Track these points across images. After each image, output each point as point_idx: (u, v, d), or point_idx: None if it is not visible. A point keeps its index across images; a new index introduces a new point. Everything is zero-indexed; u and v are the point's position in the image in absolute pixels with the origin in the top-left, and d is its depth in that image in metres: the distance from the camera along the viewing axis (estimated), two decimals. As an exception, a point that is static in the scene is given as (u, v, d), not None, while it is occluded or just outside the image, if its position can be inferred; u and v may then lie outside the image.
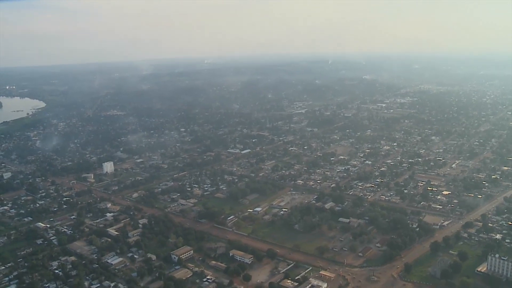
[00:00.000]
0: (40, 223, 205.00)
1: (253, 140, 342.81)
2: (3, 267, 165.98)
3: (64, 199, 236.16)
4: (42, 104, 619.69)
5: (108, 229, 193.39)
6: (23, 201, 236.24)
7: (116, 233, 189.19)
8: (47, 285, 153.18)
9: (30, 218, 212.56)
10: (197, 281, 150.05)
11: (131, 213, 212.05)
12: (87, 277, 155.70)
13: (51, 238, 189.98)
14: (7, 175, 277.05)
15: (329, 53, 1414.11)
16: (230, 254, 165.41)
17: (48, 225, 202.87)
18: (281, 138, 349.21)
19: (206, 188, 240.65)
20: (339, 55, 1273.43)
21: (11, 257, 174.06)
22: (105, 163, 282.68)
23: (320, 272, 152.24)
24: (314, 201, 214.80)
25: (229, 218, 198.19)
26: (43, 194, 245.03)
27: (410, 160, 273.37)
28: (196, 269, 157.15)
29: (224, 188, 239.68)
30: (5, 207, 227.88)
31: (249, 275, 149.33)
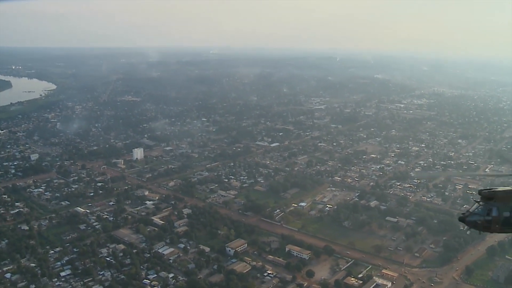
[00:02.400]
0: (78, 208, 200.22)
1: (280, 134, 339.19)
2: (52, 251, 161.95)
3: (98, 184, 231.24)
4: (52, 86, 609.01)
5: (152, 218, 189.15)
6: (56, 184, 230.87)
7: (162, 222, 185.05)
8: (101, 272, 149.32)
9: (67, 202, 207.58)
10: (258, 275, 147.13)
11: (172, 202, 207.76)
12: (142, 267, 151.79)
13: (94, 224, 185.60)
14: (34, 157, 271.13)
15: (334, 49, 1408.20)
16: (286, 249, 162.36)
17: (87, 210, 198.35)
18: (307, 133, 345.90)
19: (243, 180, 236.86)
20: (345, 52, 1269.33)
21: (57, 242, 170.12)
22: (135, 149, 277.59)
23: (383, 271, 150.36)
24: (356, 199, 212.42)
25: (275, 212, 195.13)
26: (76, 178, 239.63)
27: (442, 162, 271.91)
28: (254, 263, 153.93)
29: (261, 181, 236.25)
30: (40, 189, 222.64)
31: (312, 271, 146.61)
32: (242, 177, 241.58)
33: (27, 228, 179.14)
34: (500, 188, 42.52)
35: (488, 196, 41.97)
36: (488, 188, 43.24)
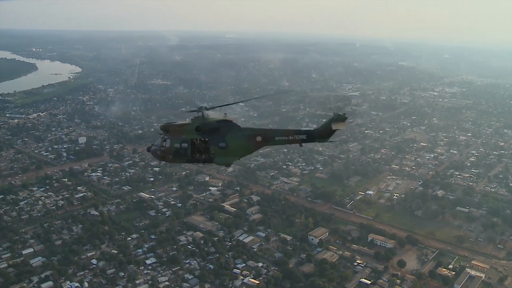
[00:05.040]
0: (142, 193, 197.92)
1: (323, 120, 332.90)
2: (130, 238, 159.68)
3: (155, 169, 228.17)
4: (77, 69, 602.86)
5: (223, 205, 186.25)
6: (111, 168, 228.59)
7: (233, 209, 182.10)
8: (187, 261, 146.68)
9: (129, 187, 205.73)
10: (348, 265, 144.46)
11: (236, 188, 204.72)
12: (226, 255, 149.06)
13: (163, 210, 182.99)
14: (82, 140, 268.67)
15: (350, 36, 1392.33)
16: (369, 238, 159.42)
17: (152, 196, 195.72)
18: (350, 120, 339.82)
19: (302, 167, 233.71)
20: (362, 38, 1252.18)
21: (131, 228, 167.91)
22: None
23: (472, 262, 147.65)
24: (421, 188, 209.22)
25: (345, 200, 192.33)
26: (130, 162, 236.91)
27: (495, 152, 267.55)
28: (340, 252, 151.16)
29: (320, 168, 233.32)
30: (97, 173, 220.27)
31: (404, 262, 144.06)
32: (299, 164, 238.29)
33: (97, 213, 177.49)
34: (178, 123, 46.56)
35: (164, 129, 46.55)
36: (167, 122, 47.37)
